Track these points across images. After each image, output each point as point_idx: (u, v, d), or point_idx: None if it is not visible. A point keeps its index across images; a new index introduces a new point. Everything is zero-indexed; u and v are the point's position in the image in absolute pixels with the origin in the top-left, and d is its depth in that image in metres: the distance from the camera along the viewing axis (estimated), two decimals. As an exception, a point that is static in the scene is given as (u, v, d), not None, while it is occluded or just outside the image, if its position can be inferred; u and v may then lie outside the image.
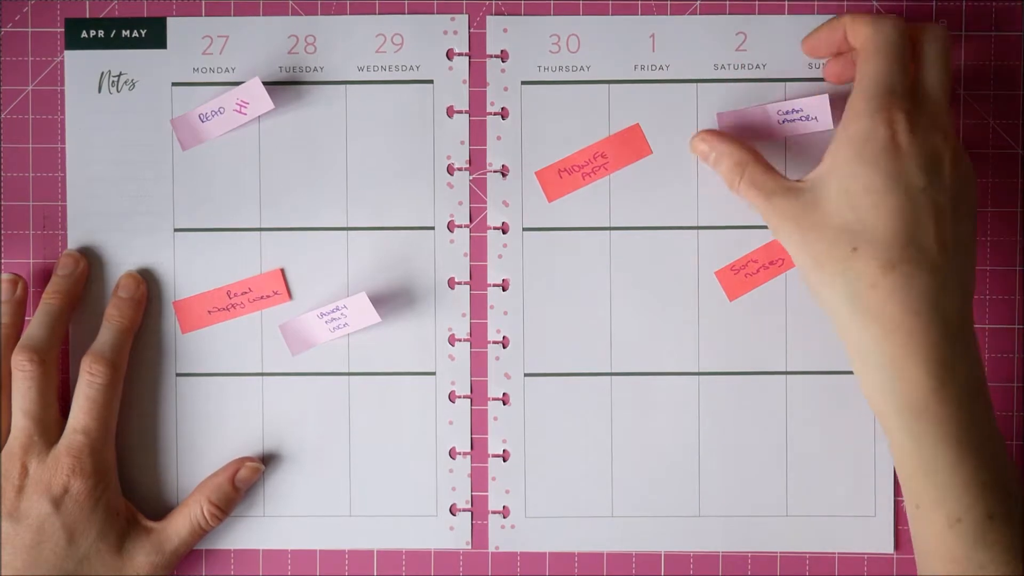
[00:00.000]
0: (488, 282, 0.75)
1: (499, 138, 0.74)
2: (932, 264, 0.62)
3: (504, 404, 0.75)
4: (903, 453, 0.63)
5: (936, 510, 0.63)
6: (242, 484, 0.73)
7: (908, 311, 0.62)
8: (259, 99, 0.73)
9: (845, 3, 0.74)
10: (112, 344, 0.72)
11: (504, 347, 0.75)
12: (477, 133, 0.75)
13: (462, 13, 0.74)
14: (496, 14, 0.75)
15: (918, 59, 0.66)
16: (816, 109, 0.72)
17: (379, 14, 0.74)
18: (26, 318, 0.73)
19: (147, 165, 0.74)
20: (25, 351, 0.70)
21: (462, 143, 0.74)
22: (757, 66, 0.74)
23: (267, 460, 0.75)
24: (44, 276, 0.74)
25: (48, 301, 0.72)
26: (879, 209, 0.63)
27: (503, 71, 0.74)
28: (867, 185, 0.63)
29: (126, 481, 0.74)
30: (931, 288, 0.62)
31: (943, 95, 0.66)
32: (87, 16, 0.74)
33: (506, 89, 0.74)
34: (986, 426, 0.63)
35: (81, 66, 0.74)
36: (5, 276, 0.73)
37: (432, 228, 0.74)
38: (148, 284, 0.74)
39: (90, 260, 0.74)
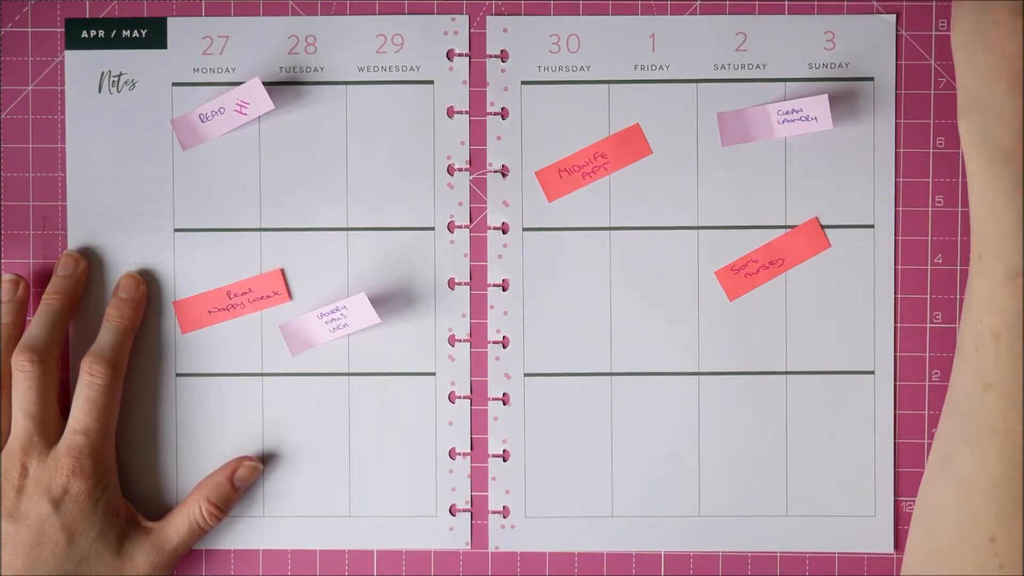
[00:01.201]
0: (488, 282, 0.75)
1: (499, 138, 0.74)
2: None
3: (504, 404, 0.75)
4: (980, 196, 0.64)
5: (997, 262, 0.63)
6: (240, 483, 0.73)
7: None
8: (259, 99, 0.73)
9: (845, 3, 0.74)
10: (112, 344, 0.72)
11: (504, 347, 0.75)
12: (477, 133, 0.75)
13: (462, 13, 0.74)
14: (496, 14, 0.75)
15: None
16: (816, 109, 0.72)
17: (379, 14, 0.74)
18: (27, 318, 0.73)
19: (147, 165, 0.74)
20: (25, 351, 0.70)
21: (462, 143, 0.74)
22: (757, 66, 0.74)
23: (267, 460, 0.75)
24: (44, 276, 0.74)
25: (48, 302, 0.72)
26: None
27: (503, 71, 0.74)
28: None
29: (126, 481, 0.74)
30: None
31: None
32: (87, 16, 0.74)
33: (506, 89, 0.74)
34: None
35: (81, 66, 0.74)
36: (6, 277, 0.73)
37: (432, 228, 0.74)
38: (148, 284, 0.74)
39: (90, 260, 0.74)
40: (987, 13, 0.64)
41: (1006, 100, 0.63)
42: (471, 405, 0.75)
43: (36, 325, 0.71)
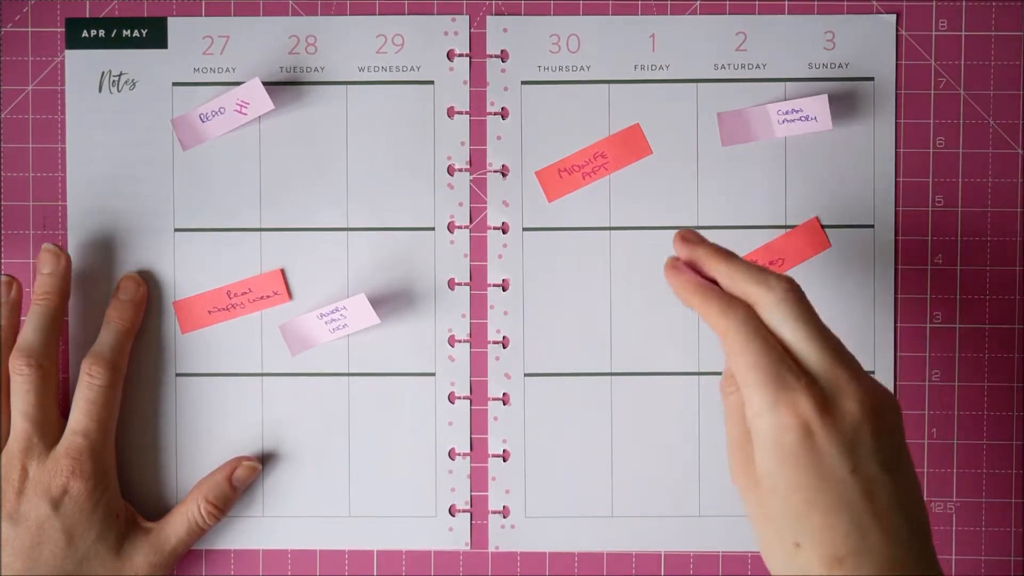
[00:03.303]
0: (488, 282, 0.75)
1: (499, 138, 0.74)
2: (878, 548, 0.57)
3: (504, 404, 0.75)
4: None
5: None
6: (239, 483, 0.73)
7: None
8: (259, 99, 0.73)
9: (845, 3, 0.74)
10: (112, 346, 0.72)
11: (504, 347, 0.75)
12: (477, 133, 0.75)
13: (462, 14, 0.74)
14: (496, 14, 0.75)
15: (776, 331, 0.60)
16: (816, 109, 0.72)
17: (380, 15, 0.74)
18: (21, 318, 0.73)
19: (147, 165, 0.74)
20: (22, 355, 0.70)
21: (463, 144, 0.74)
22: (757, 66, 0.74)
23: (267, 460, 0.75)
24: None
25: (39, 302, 0.72)
26: (812, 507, 0.57)
27: (503, 71, 0.74)
28: (792, 484, 0.57)
29: (126, 481, 0.74)
30: (881, 573, 0.57)
31: (827, 354, 0.59)
32: (87, 16, 0.74)
33: (506, 89, 0.74)
34: None
35: (81, 66, 0.74)
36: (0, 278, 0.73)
37: (432, 229, 0.74)
38: (148, 284, 0.74)
39: (90, 260, 0.74)
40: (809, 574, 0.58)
41: None
42: (471, 405, 0.75)
43: (29, 328, 0.71)
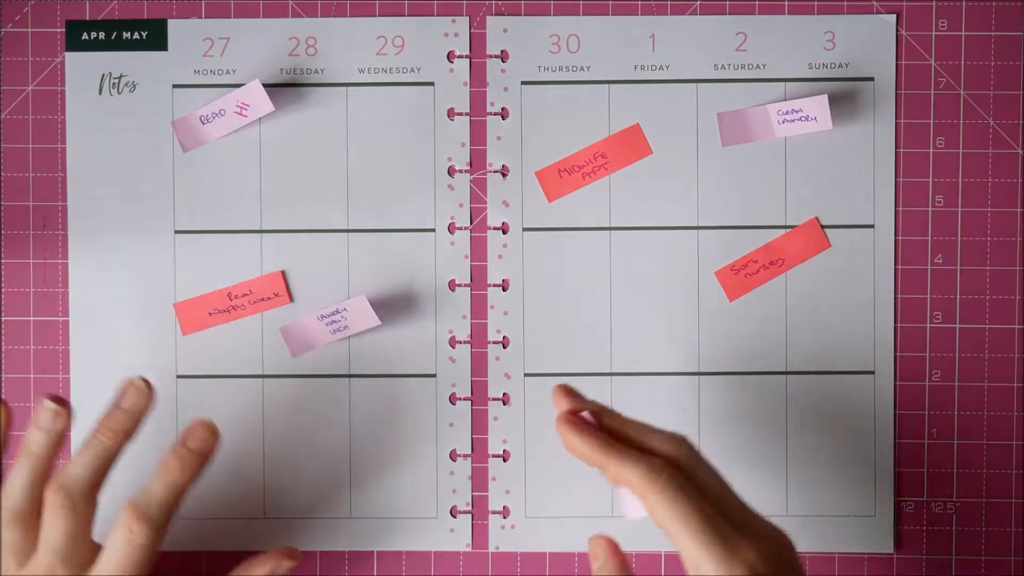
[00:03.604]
0: (488, 282, 0.75)
1: (499, 138, 0.74)
2: None
3: (504, 404, 0.75)
4: None
5: None
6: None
7: None
8: (260, 101, 0.73)
9: (845, 3, 0.74)
10: (163, 503, 0.64)
11: (504, 347, 0.75)
12: (477, 133, 0.75)
13: (462, 15, 0.74)
14: (496, 14, 0.75)
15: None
16: (816, 109, 0.72)
17: (380, 16, 0.74)
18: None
19: (148, 167, 0.74)
20: (61, 492, 0.63)
21: (463, 145, 0.74)
22: (757, 66, 0.74)
23: (267, 461, 0.75)
24: (44, 276, 0.74)
25: (100, 438, 0.65)
26: None
27: (503, 71, 0.74)
28: None
29: (125, 483, 0.74)
30: None
31: (736, 505, 0.61)
32: (87, 17, 0.74)
33: (506, 89, 0.74)
34: None
35: (82, 68, 0.74)
36: (48, 404, 0.65)
37: (433, 230, 0.74)
38: (148, 285, 0.74)
39: (90, 262, 0.74)
40: None
41: None
42: (471, 406, 0.75)
43: (79, 464, 0.64)
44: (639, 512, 0.60)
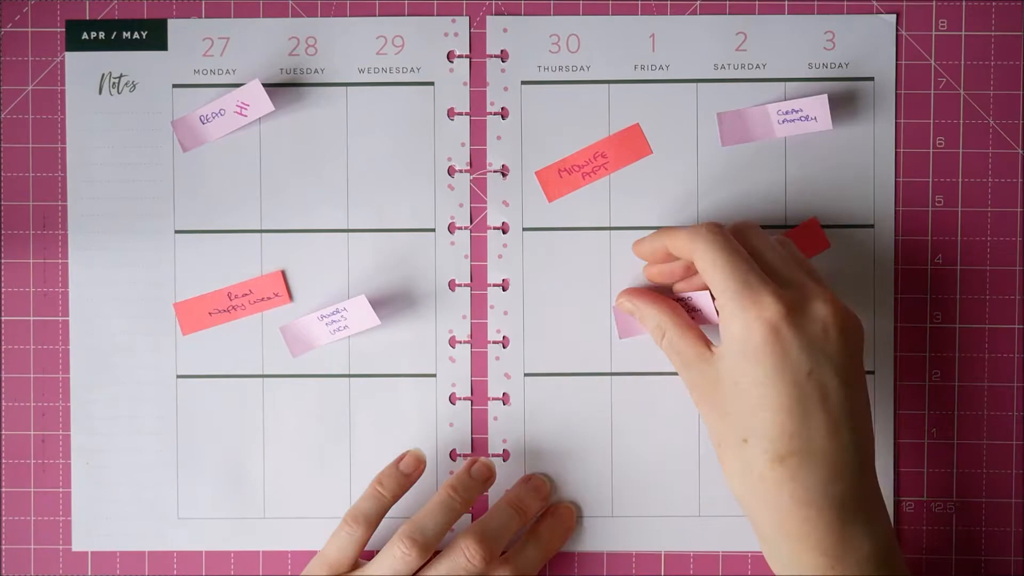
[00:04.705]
0: (488, 282, 0.75)
1: (499, 138, 0.74)
2: (821, 453, 0.61)
3: (504, 404, 0.75)
4: None
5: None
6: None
7: (798, 502, 0.61)
8: (259, 101, 0.73)
9: (845, 3, 0.74)
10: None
11: (504, 347, 0.75)
12: (477, 133, 0.75)
13: (462, 15, 0.74)
14: (496, 14, 0.74)
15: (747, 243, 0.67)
16: (816, 109, 0.72)
17: (380, 16, 0.74)
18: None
19: (147, 166, 0.74)
20: (409, 540, 0.69)
21: (463, 145, 0.74)
22: (757, 66, 0.74)
23: (267, 462, 0.75)
24: (44, 276, 0.74)
25: (452, 497, 0.71)
26: (766, 402, 0.61)
27: (503, 71, 0.74)
28: (753, 379, 0.62)
29: (125, 483, 0.75)
30: (821, 477, 0.61)
31: (799, 266, 0.66)
32: (87, 17, 0.74)
33: (506, 89, 0.74)
34: None
35: (82, 67, 0.74)
36: (415, 452, 0.73)
37: (433, 230, 0.74)
38: (148, 285, 0.74)
39: (90, 261, 0.74)
40: (752, 469, 0.62)
41: (795, 544, 0.62)
42: (471, 406, 0.75)
43: (432, 516, 0.70)
44: (633, 332, 0.72)
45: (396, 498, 0.72)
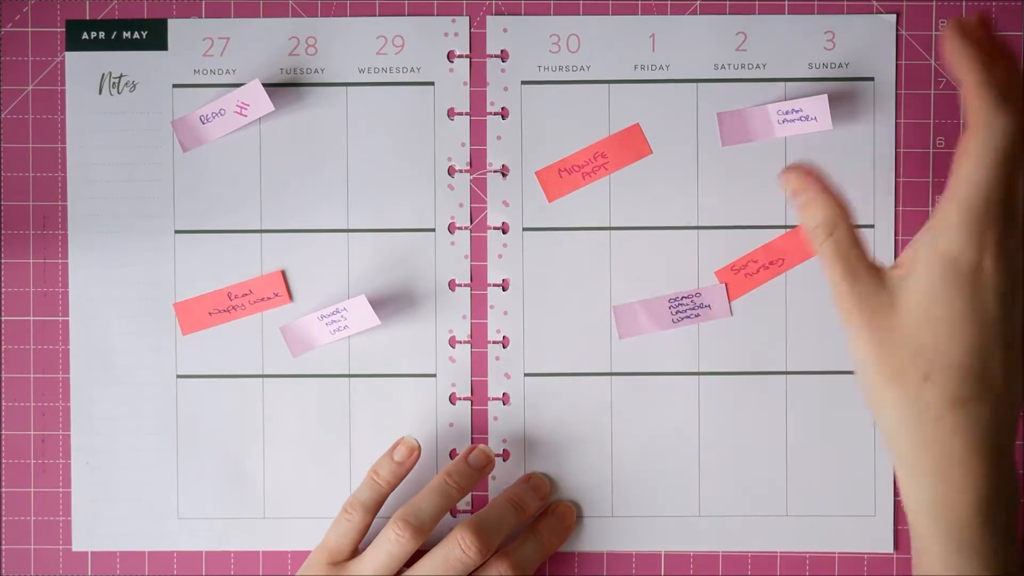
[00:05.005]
0: (488, 282, 0.75)
1: (499, 138, 0.74)
2: (996, 399, 0.57)
3: (504, 404, 0.75)
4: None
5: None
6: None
7: (969, 448, 0.57)
8: (259, 101, 0.73)
9: (845, 3, 0.74)
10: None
11: (504, 347, 0.75)
12: (477, 133, 0.75)
13: (462, 15, 0.74)
14: (496, 14, 0.74)
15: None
16: (816, 109, 0.72)
17: (380, 16, 0.74)
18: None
19: (148, 166, 0.74)
20: (402, 521, 0.70)
21: (463, 145, 0.74)
22: (757, 66, 0.74)
23: (267, 462, 0.75)
24: (44, 276, 0.74)
25: (448, 483, 0.71)
26: (956, 340, 0.57)
27: (503, 71, 0.74)
28: (948, 313, 0.56)
29: (125, 483, 0.75)
30: (992, 425, 0.57)
31: None
32: (87, 16, 0.74)
33: (506, 89, 0.74)
34: (1019, 554, 0.59)
35: (82, 67, 0.74)
36: (408, 440, 0.73)
37: (433, 230, 0.74)
38: (148, 285, 0.74)
39: (90, 261, 0.74)
40: (928, 409, 0.57)
41: (953, 494, 0.58)
42: (472, 406, 0.75)
43: (428, 501, 0.71)
44: (635, 332, 0.67)
45: (392, 486, 0.72)
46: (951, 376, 0.57)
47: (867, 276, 0.59)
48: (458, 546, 0.69)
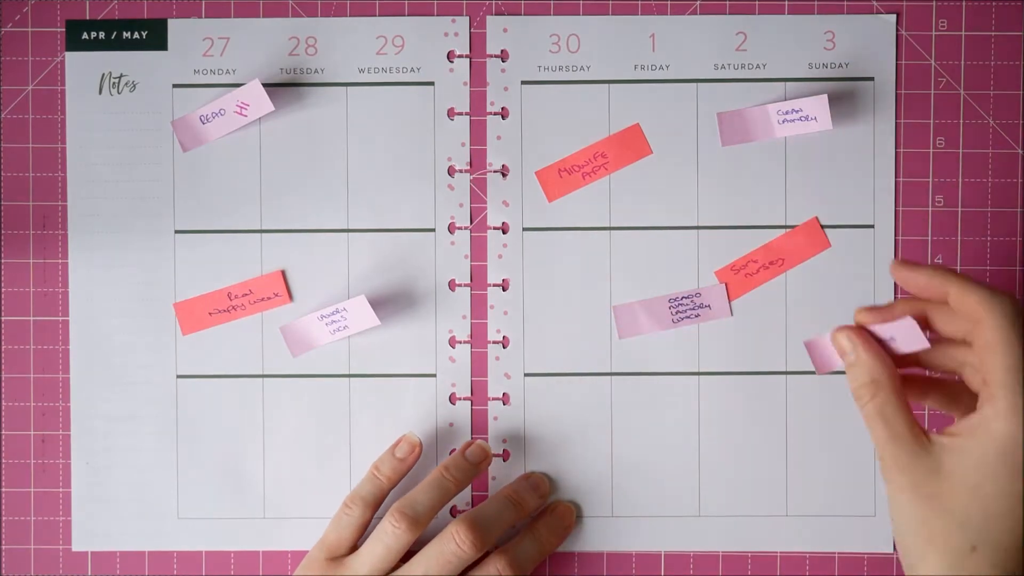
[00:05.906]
0: (488, 282, 0.75)
1: (499, 138, 0.74)
2: None
3: (504, 404, 0.75)
4: None
5: None
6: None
7: None
8: (259, 101, 0.73)
9: (845, 3, 0.74)
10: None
11: (504, 347, 0.75)
12: (477, 133, 0.75)
13: (462, 15, 0.74)
14: (496, 14, 0.74)
15: None
16: (816, 109, 0.72)
17: (380, 16, 0.74)
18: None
19: (148, 166, 0.74)
20: (398, 513, 0.70)
21: (463, 145, 0.74)
22: (757, 66, 0.74)
23: (267, 462, 0.75)
24: (44, 276, 0.74)
25: (445, 477, 0.72)
26: (1006, 518, 0.56)
27: (503, 71, 0.74)
28: (1005, 490, 0.56)
29: (125, 483, 0.75)
30: None
31: None
32: (87, 16, 0.74)
33: (506, 89, 0.74)
34: None
35: (82, 67, 0.74)
36: (410, 437, 0.73)
37: (433, 230, 0.74)
38: (148, 285, 0.74)
39: (90, 261, 0.74)
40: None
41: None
42: (471, 406, 0.75)
43: (425, 494, 0.71)
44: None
45: (393, 482, 0.72)
46: (1000, 550, 0.56)
47: (911, 440, 0.58)
48: (453, 540, 0.69)
